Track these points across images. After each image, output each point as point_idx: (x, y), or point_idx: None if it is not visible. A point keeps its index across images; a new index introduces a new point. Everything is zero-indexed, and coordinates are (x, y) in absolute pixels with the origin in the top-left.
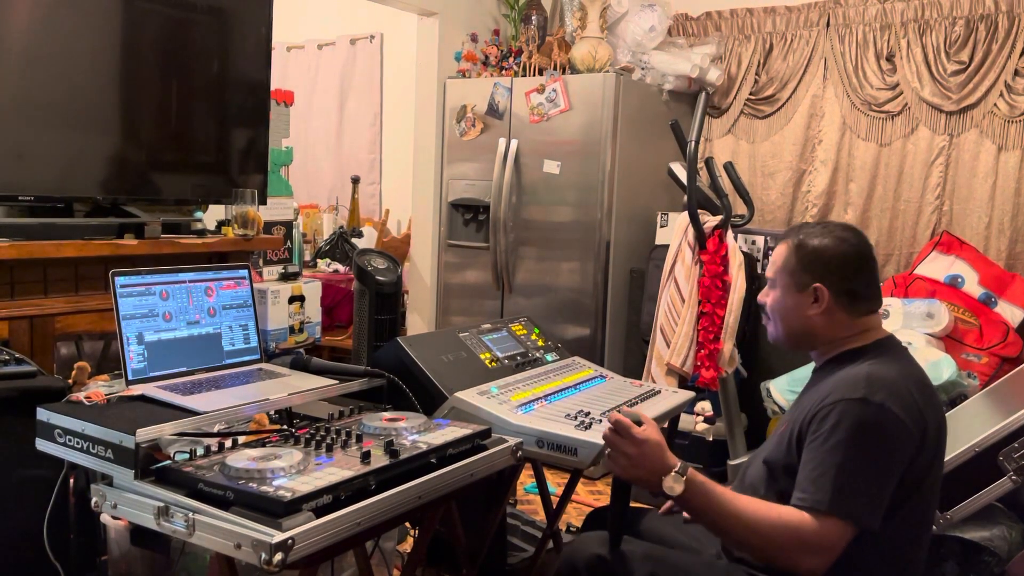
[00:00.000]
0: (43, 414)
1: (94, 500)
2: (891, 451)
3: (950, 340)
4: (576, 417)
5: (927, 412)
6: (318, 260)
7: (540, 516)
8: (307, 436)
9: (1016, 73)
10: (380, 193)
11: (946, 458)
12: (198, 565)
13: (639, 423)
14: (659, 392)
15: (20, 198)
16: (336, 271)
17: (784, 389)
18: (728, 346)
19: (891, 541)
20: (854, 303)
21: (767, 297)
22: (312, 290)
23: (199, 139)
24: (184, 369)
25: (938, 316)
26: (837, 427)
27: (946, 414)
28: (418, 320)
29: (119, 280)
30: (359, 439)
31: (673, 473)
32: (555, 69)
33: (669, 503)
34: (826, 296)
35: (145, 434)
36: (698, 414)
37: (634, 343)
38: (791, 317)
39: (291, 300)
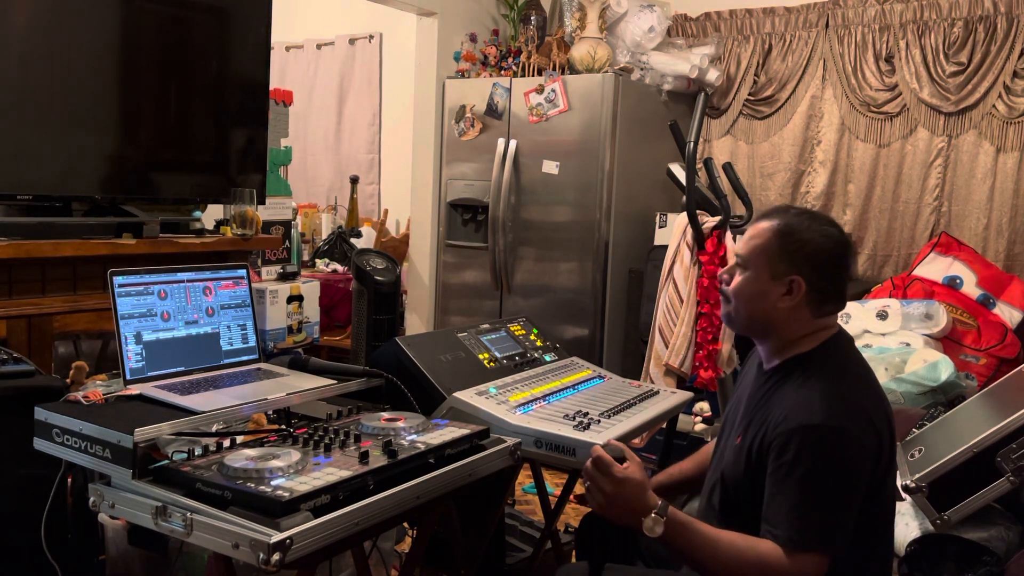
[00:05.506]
0: (41, 413)
1: (92, 500)
2: (854, 475)
3: (948, 341)
4: (574, 417)
5: (877, 420)
6: (316, 260)
7: (538, 516)
8: (305, 436)
9: (1015, 74)
10: (379, 193)
11: (945, 459)
12: (196, 565)
13: (622, 459)
14: (657, 392)
15: (18, 197)
16: (335, 271)
17: None
18: (726, 347)
19: (854, 552)
20: (823, 303)
21: (731, 276)
22: (310, 290)
23: (198, 139)
24: (182, 369)
25: (936, 317)
26: (799, 458)
27: (944, 415)
28: (416, 320)
29: (117, 279)
30: (357, 439)
31: (653, 514)
32: (554, 69)
33: None
34: (802, 291)
35: (143, 434)
36: (696, 415)
37: (632, 343)
38: (755, 304)
39: (289, 300)
